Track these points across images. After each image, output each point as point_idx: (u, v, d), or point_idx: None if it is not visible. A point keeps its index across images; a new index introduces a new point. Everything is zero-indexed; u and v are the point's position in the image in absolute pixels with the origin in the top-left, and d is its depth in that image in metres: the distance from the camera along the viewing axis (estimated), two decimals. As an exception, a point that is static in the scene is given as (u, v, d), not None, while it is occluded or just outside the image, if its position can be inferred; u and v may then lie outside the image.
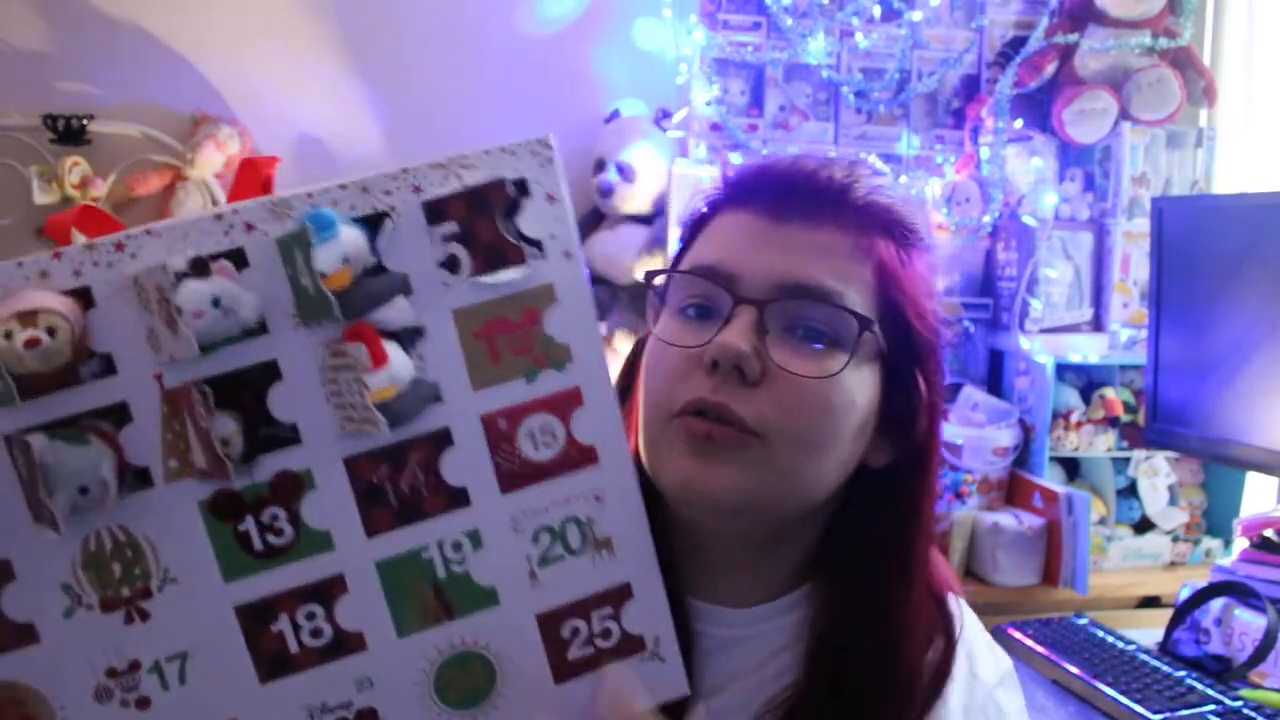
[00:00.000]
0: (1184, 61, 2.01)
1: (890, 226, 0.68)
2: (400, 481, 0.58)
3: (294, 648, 0.57)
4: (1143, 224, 1.98)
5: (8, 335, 0.51)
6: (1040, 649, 1.45)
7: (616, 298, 1.94)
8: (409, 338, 0.57)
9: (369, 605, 0.58)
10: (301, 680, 0.57)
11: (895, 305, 0.67)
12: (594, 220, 1.99)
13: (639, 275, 1.91)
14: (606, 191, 1.91)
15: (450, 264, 0.58)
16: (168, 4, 1.90)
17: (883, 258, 0.67)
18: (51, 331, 0.51)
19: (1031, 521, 1.84)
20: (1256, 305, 1.51)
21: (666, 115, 1.98)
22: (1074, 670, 1.38)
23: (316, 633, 0.58)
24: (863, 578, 0.70)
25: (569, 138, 2.02)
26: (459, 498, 0.59)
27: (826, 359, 0.64)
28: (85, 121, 1.82)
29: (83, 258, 0.54)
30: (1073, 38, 2.00)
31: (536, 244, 0.58)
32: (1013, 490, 1.97)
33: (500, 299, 0.58)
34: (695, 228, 0.71)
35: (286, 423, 0.56)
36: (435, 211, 0.57)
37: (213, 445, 0.54)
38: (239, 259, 0.55)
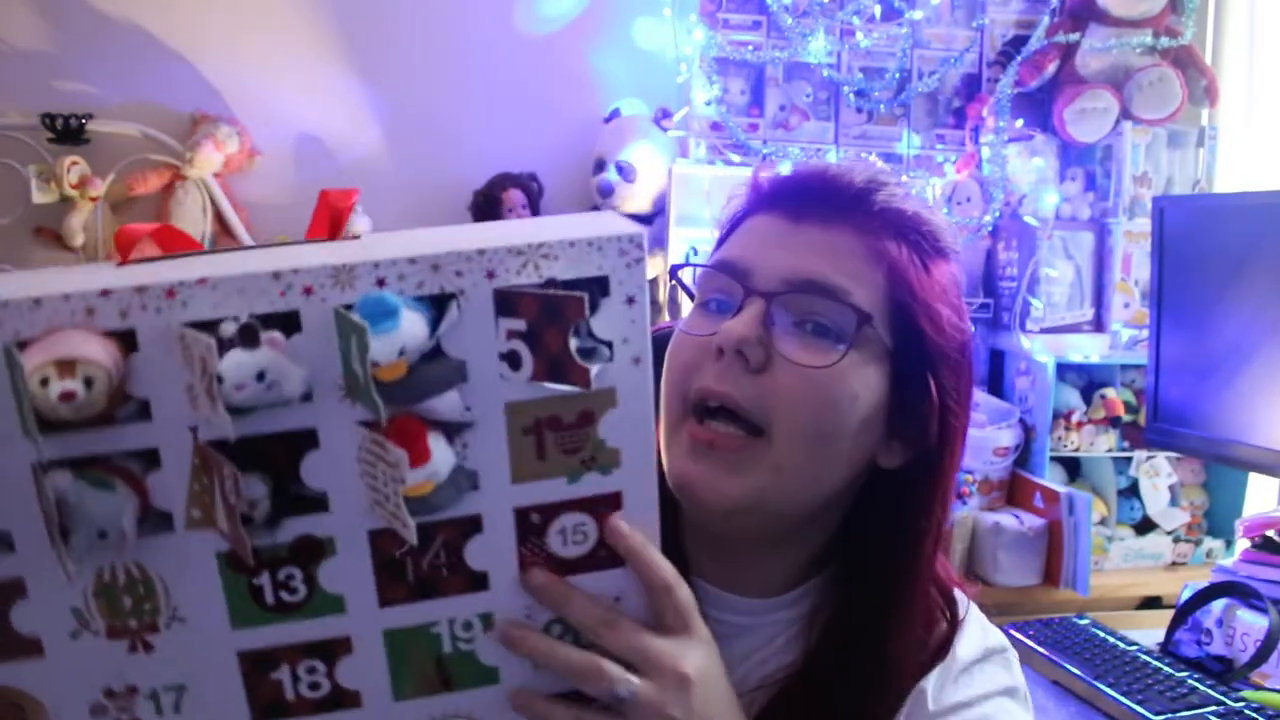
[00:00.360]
0: (1185, 60, 2.01)
1: (907, 233, 0.70)
2: (422, 560, 0.57)
3: (290, 695, 0.57)
4: (1144, 223, 1.97)
5: (44, 382, 0.48)
6: (1041, 649, 1.45)
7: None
8: (456, 426, 0.55)
9: (370, 668, 0.58)
10: None
11: (906, 308, 0.68)
12: (594, 220, 1.99)
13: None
14: (606, 191, 1.91)
15: (511, 359, 0.55)
16: (167, 3, 1.90)
17: (895, 261, 0.68)
18: (89, 382, 0.49)
19: (1032, 522, 1.84)
20: (1258, 305, 1.51)
21: (666, 115, 1.97)
22: (1075, 671, 1.37)
23: (315, 686, 0.57)
24: (869, 574, 0.71)
25: (569, 138, 2.05)
26: (478, 582, 0.58)
27: (830, 352, 0.66)
28: (84, 121, 1.82)
29: (131, 300, 0.51)
30: (1074, 37, 2.00)
31: (607, 345, 0.55)
32: (1013, 490, 1.96)
33: (558, 397, 0.56)
34: (728, 231, 0.75)
35: (317, 490, 0.55)
36: (506, 302, 0.54)
37: (237, 521, 0.53)
38: (293, 323, 0.52)
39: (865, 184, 0.70)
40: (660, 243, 1.90)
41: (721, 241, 0.75)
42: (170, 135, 1.87)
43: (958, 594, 0.76)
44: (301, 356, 0.52)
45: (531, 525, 0.57)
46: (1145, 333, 1.89)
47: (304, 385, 0.52)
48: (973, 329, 0.72)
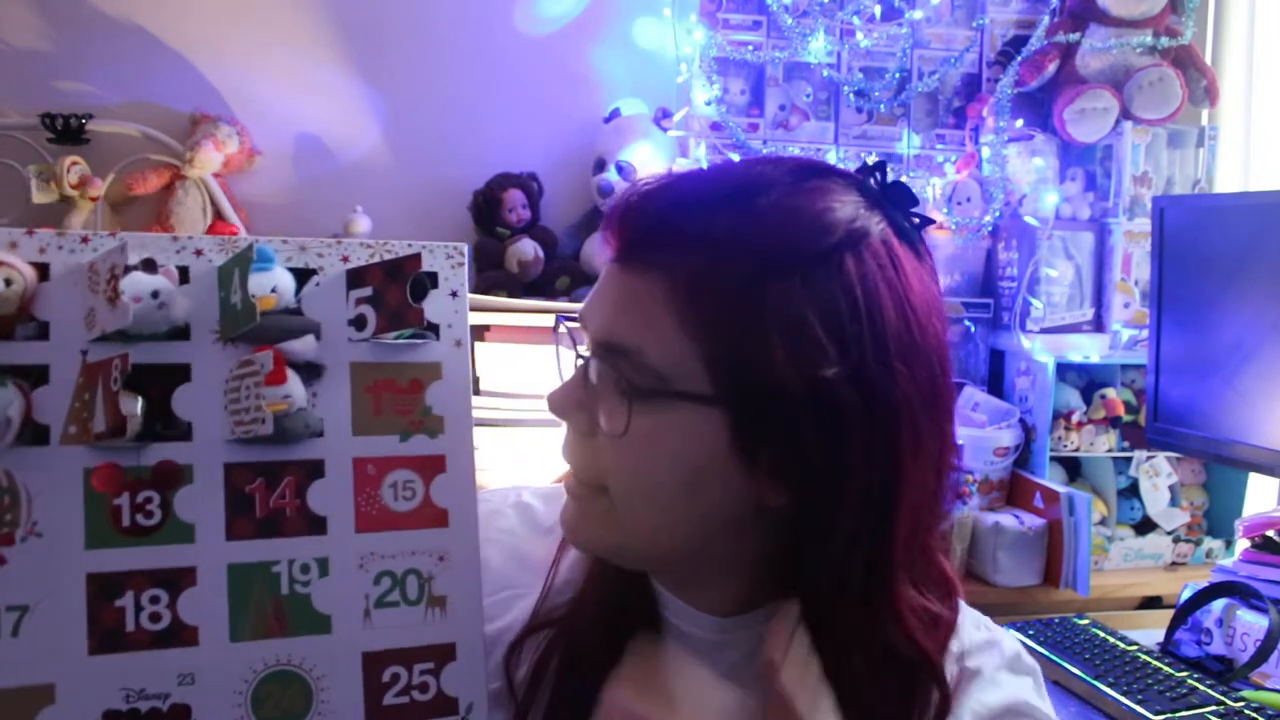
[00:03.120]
0: (1185, 60, 2.01)
1: (721, 261, 0.60)
2: (270, 497, 0.63)
3: (130, 626, 0.60)
4: (1144, 223, 1.98)
5: None
6: (1041, 649, 1.45)
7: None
8: (309, 373, 0.64)
9: (211, 602, 0.61)
10: (128, 661, 0.59)
11: (722, 351, 0.60)
12: (594, 220, 1.99)
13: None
14: (606, 191, 1.91)
15: (358, 322, 0.65)
16: (167, 3, 1.90)
17: (700, 303, 0.60)
18: (8, 282, 0.58)
19: (1032, 522, 1.84)
20: (1258, 305, 1.51)
21: (666, 115, 1.97)
22: (1075, 671, 1.37)
23: (155, 617, 0.60)
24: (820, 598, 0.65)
25: (569, 138, 2.06)
26: (318, 525, 0.64)
27: (628, 414, 0.62)
28: (84, 121, 1.82)
29: (51, 240, 0.61)
30: (1074, 37, 2.00)
31: (434, 328, 0.67)
32: (1014, 490, 1.96)
33: (394, 364, 0.66)
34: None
35: (184, 420, 0.62)
36: (356, 278, 0.66)
37: (118, 407, 0.58)
38: (183, 275, 0.62)
39: (666, 210, 0.62)
40: (660, 243, 1.90)
41: None
42: (170, 135, 1.87)
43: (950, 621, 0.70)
44: (188, 298, 0.62)
45: (367, 476, 0.65)
46: (1145, 333, 1.89)
47: (186, 315, 0.62)
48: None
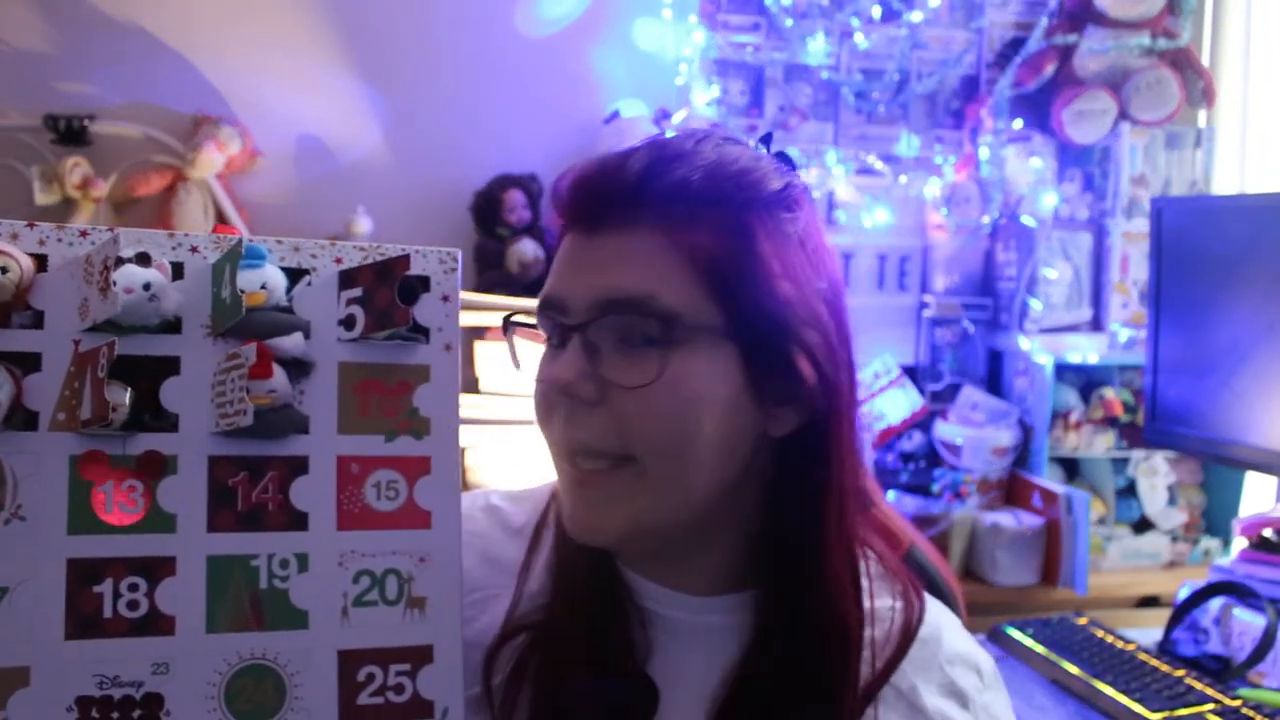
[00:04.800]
0: (1183, 62, 2.02)
1: (709, 201, 0.65)
2: (252, 491, 0.63)
3: (108, 612, 0.60)
4: (1142, 224, 1.99)
5: None
6: (1039, 648, 1.45)
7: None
8: (296, 370, 0.64)
9: (189, 592, 0.61)
10: (103, 647, 0.60)
11: (726, 282, 0.64)
12: (594, 220, 2.00)
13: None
14: (606, 192, 1.91)
15: (348, 322, 0.66)
16: (168, 4, 1.90)
17: (698, 243, 0.64)
18: (4, 270, 0.58)
19: (1031, 521, 1.84)
20: (1255, 305, 1.51)
21: (666, 116, 1.98)
22: (1073, 670, 1.38)
23: (133, 605, 0.60)
24: (789, 543, 0.70)
25: (569, 138, 2.06)
26: (299, 521, 0.64)
27: (657, 362, 0.64)
28: (86, 122, 1.83)
29: (50, 233, 0.62)
30: (1072, 38, 2.01)
31: (425, 331, 0.67)
32: (1012, 490, 1.97)
33: (382, 364, 0.66)
34: (551, 259, 0.72)
35: (171, 412, 0.62)
36: (348, 279, 0.66)
37: (104, 394, 0.58)
38: (177, 271, 0.63)
39: (643, 170, 0.65)
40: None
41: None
42: (173, 136, 1.88)
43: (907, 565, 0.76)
44: (180, 292, 0.63)
45: (350, 474, 0.65)
46: (1143, 333, 1.89)
47: (178, 309, 0.62)
48: (828, 268, 0.68)
